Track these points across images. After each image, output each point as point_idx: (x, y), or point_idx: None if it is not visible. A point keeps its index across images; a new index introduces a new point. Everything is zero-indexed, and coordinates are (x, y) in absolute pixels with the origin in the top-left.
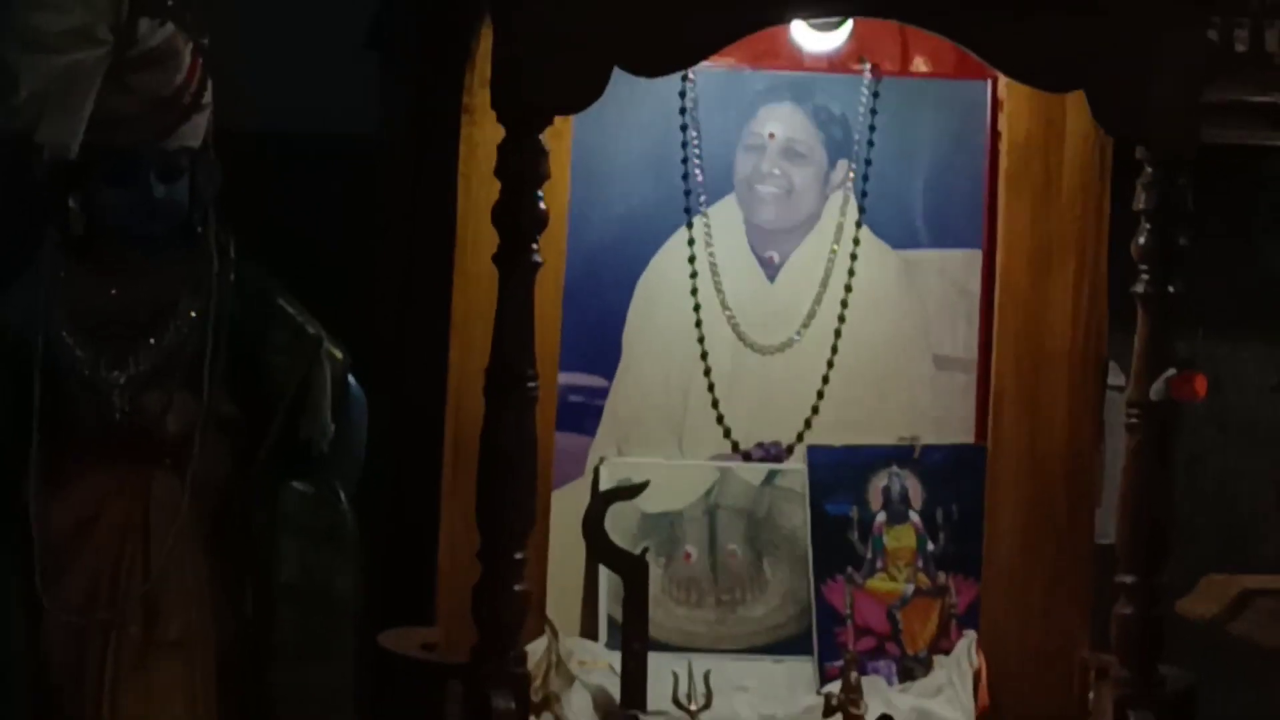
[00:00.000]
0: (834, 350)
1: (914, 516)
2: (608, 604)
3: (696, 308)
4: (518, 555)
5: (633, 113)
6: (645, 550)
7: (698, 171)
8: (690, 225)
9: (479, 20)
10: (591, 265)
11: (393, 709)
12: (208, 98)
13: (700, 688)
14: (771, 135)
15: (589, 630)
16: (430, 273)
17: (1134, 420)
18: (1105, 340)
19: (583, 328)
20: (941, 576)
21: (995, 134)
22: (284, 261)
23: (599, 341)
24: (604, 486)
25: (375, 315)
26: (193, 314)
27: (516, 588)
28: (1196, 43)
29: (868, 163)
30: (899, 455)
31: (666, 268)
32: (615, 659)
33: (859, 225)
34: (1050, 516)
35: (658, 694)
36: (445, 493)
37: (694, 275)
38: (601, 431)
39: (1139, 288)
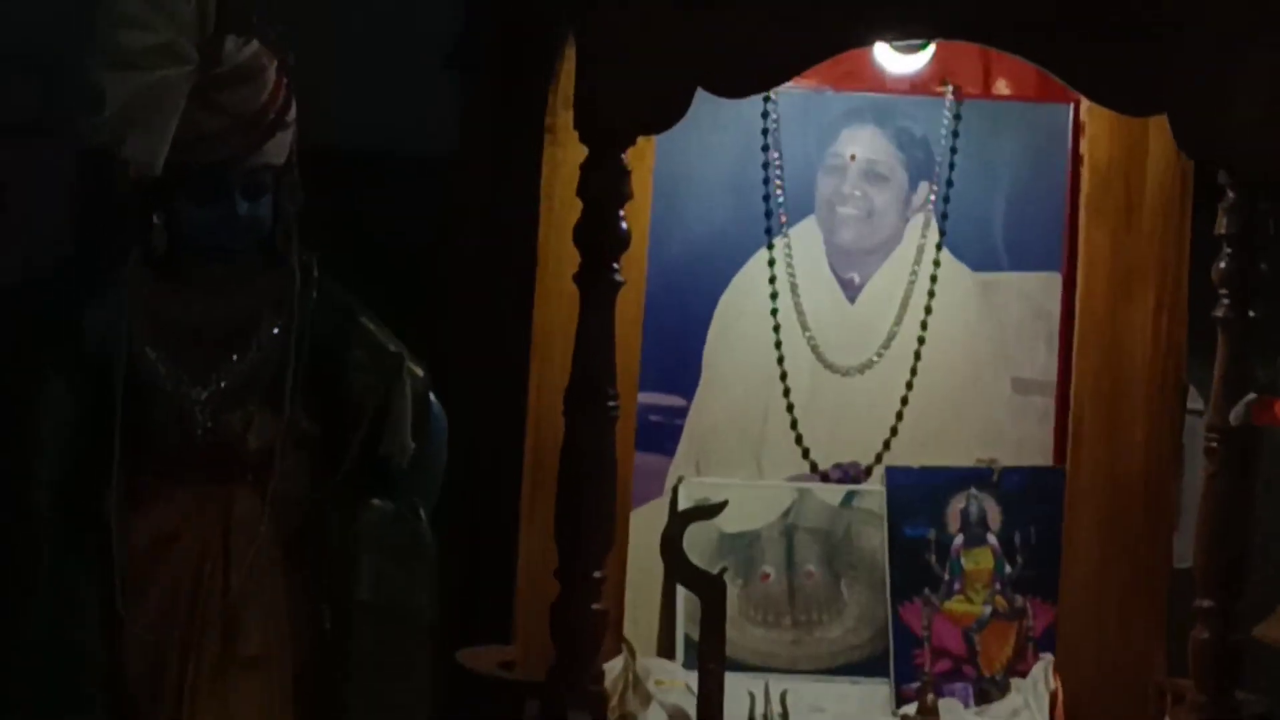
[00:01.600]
0: (913, 372)
1: (992, 539)
2: (685, 624)
3: (776, 328)
4: (596, 574)
5: (715, 133)
6: (723, 570)
7: (779, 192)
8: (771, 246)
9: (562, 40)
10: (672, 285)
11: None
12: (292, 115)
13: (776, 708)
14: (853, 157)
15: (666, 650)
16: (511, 291)
17: (1213, 445)
18: (1185, 364)
19: (663, 347)
20: (1019, 599)
21: (1077, 157)
22: (365, 279)
23: (679, 361)
24: (682, 506)
25: (456, 334)
26: (274, 331)
27: (594, 606)
28: (1279, 65)
29: (949, 185)
30: (978, 477)
31: (747, 288)
32: (692, 679)
33: (939, 247)
34: (1128, 540)
35: (734, 714)
36: (524, 511)
37: (774, 296)
38: (680, 451)
39: (1219, 312)
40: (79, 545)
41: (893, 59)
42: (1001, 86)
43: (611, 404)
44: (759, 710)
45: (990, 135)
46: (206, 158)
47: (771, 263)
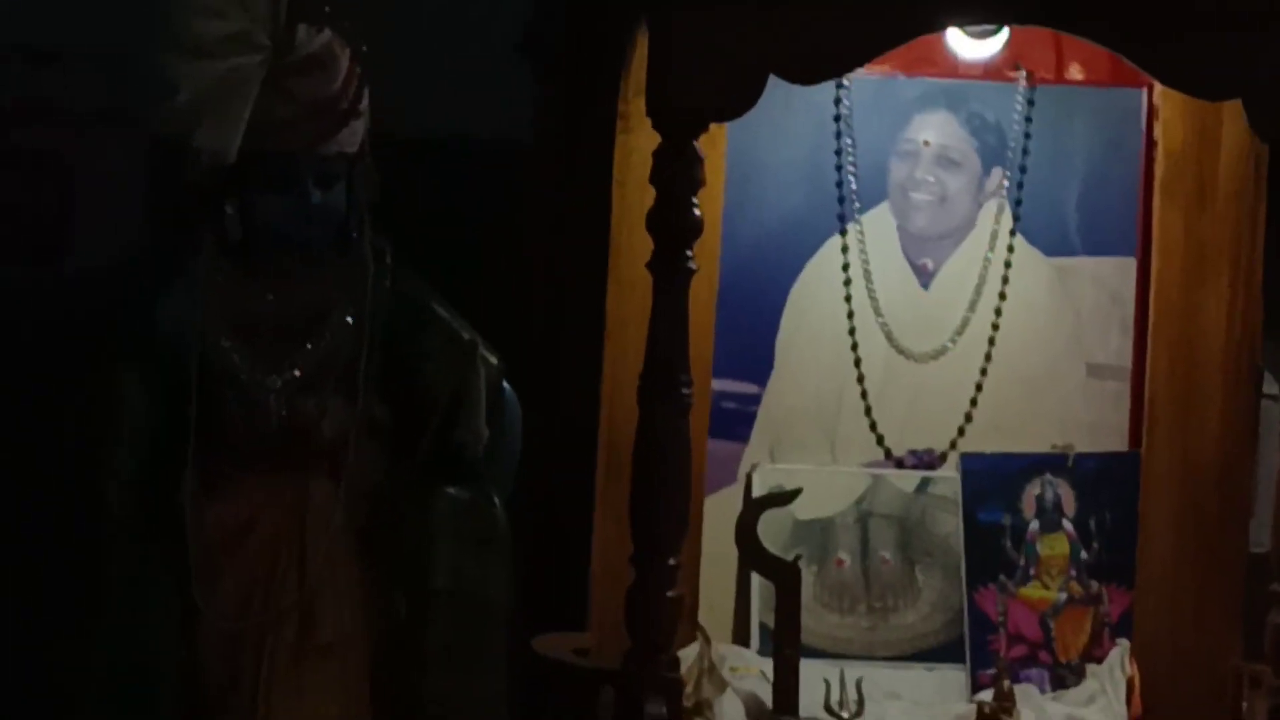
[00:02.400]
0: (987, 358)
1: (1067, 524)
2: (760, 610)
3: (850, 314)
4: (671, 561)
5: (787, 120)
6: (798, 557)
7: (851, 178)
8: (844, 232)
9: (635, 27)
10: (745, 272)
11: (545, 714)
12: (364, 104)
13: (852, 695)
14: (926, 142)
15: (741, 637)
16: (584, 279)
17: None
18: (1260, 349)
19: (736, 334)
20: (1094, 585)
21: (1150, 142)
22: (439, 268)
23: (752, 348)
24: (756, 493)
25: (530, 321)
26: (348, 320)
27: (669, 594)
28: None
29: (1022, 170)
30: (1052, 463)
31: (820, 275)
32: (767, 666)
33: (1013, 233)
34: (1204, 525)
35: (809, 701)
36: (598, 498)
37: (847, 282)
38: (754, 438)
39: None
40: (154, 536)
41: (965, 44)
42: (1074, 71)
43: (685, 391)
44: (834, 697)
45: (1063, 120)
46: (279, 146)
47: (844, 249)
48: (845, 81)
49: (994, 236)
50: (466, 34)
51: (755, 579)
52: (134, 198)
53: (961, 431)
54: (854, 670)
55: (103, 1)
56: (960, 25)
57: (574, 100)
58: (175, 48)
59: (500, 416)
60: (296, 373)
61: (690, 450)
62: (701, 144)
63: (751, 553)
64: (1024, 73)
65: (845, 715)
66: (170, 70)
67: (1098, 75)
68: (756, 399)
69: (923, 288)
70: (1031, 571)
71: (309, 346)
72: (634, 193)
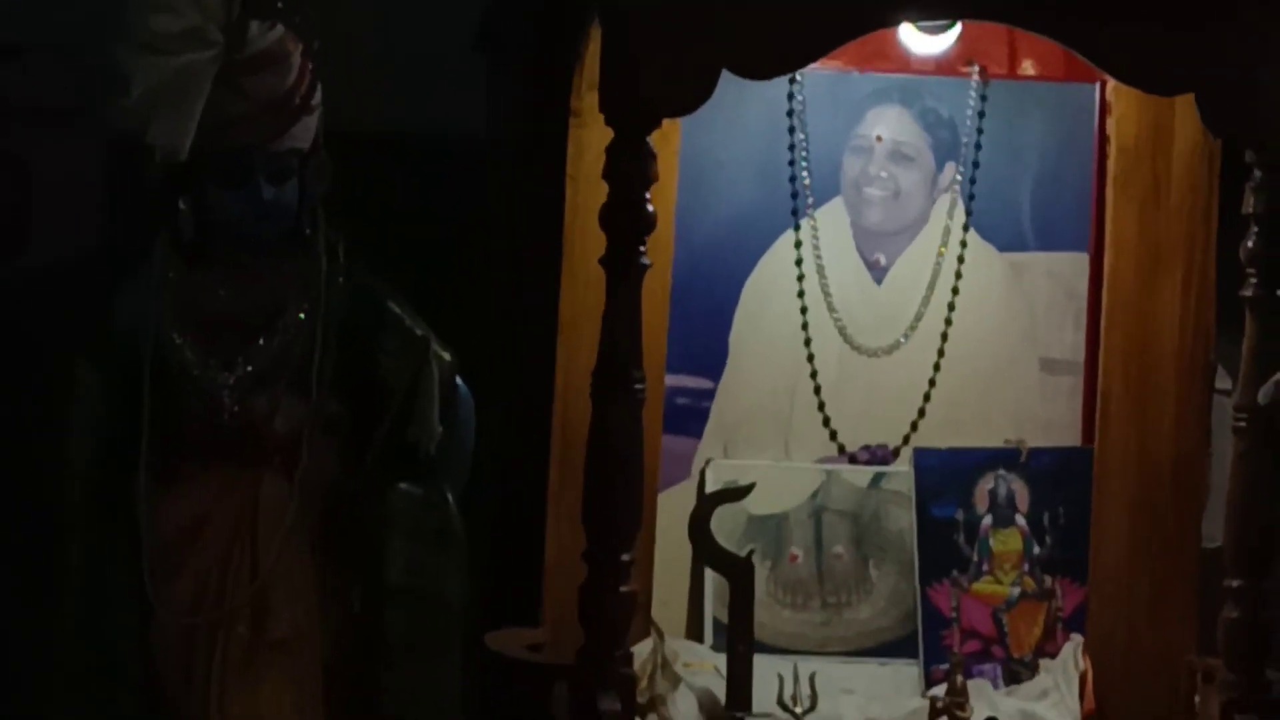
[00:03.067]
0: (940, 353)
1: (1020, 520)
2: (713, 606)
3: (803, 310)
4: (624, 557)
5: (740, 115)
6: (751, 552)
7: (805, 174)
8: (797, 228)
9: (588, 23)
10: (698, 267)
11: (499, 710)
12: (317, 99)
13: (805, 690)
14: (879, 138)
15: (694, 632)
16: (538, 275)
17: (1241, 424)
18: (1213, 344)
19: (689, 330)
20: (1048, 580)
21: (1103, 137)
22: (392, 263)
23: (706, 344)
24: (710, 488)
25: (483, 317)
26: (301, 315)
27: (623, 589)
28: None
29: (975, 165)
30: (1006, 458)
31: (773, 270)
32: (721, 661)
33: (966, 228)
34: (1157, 520)
35: (763, 696)
36: (552, 494)
37: (801, 278)
38: (708, 433)
39: (1247, 291)
40: (109, 532)
41: (918, 40)
42: (1027, 67)
43: (638, 386)
44: (788, 692)
45: (1017, 116)
46: (232, 142)
47: (798, 244)
48: (798, 77)
49: (947, 232)
50: (421, 29)
51: (709, 574)
52: (88, 194)
53: (915, 427)
54: (807, 665)
55: None
56: (913, 20)
57: (528, 96)
58: (127, 44)
59: (454, 412)
60: (250, 368)
61: (643, 446)
62: (655, 139)
63: (705, 548)
64: (977, 68)
65: (799, 710)
66: (123, 66)
67: (1051, 70)
68: (710, 394)
69: (876, 283)
70: (985, 567)
71: (262, 342)
72: (587, 188)
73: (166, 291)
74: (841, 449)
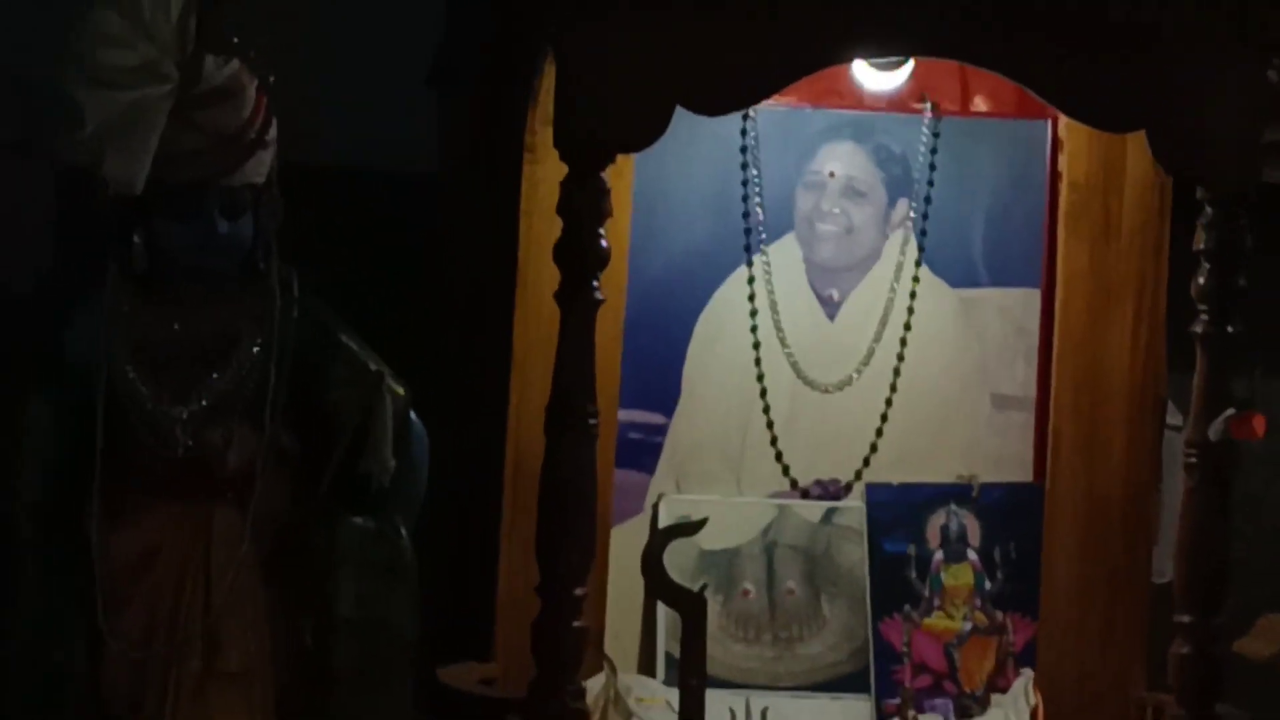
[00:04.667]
0: (893, 388)
1: (972, 555)
2: (666, 641)
3: (756, 345)
4: (577, 591)
5: (694, 151)
6: (704, 587)
7: (758, 209)
8: (750, 263)
9: (542, 58)
10: (652, 302)
11: None
12: (272, 134)
13: None
14: (832, 174)
15: (647, 667)
16: (492, 309)
17: (1192, 460)
18: (1164, 380)
19: (643, 365)
20: (999, 615)
21: (1055, 174)
22: (346, 297)
23: (659, 379)
24: (663, 523)
25: (437, 351)
26: (255, 349)
27: (575, 624)
28: (1257, 83)
29: (927, 201)
30: (957, 494)
31: (726, 305)
32: (673, 696)
33: (918, 264)
34: (1108, 555)
35: None
36: (505, 528)
37: (754, 313)
38: (661, 468)
39: (1198, 327)
40: (60, 564)
41: (871, 76)
42: (980, 103)
43: (591, 421)
44: None
45: (969, 152)
46: (186, 176)
47: (751, 280)
48: (751, 113)
49: (899, 268)
50: (377, 64)
51: (661, 609)
52: (42, 227)
53: (867, 462)
54: (760, 700)
55: (9, 31)
56: (866, 57)
57: (482, 131)
58: (81, 78)
59: (407, 446)
60: (203, 402)
61: (596, 480)
62: (608, 175)
63: (657, 583)
64: (929, 104)
65: None
66: (77, 100)
67: (1003, 107)
68: (663, 429)
69: (829, 318)
70: (936, 602)
71: (215, 376)
72: (541, 223)
73: (119, 324)
74: (794, 484)
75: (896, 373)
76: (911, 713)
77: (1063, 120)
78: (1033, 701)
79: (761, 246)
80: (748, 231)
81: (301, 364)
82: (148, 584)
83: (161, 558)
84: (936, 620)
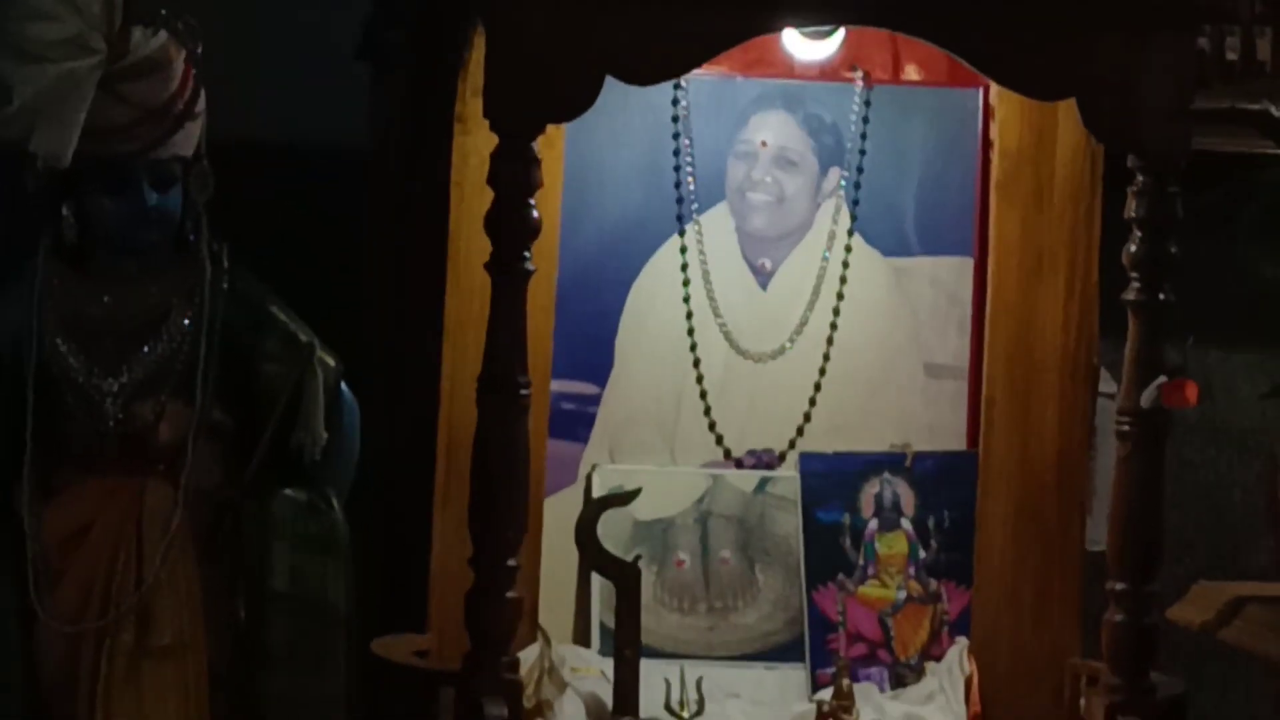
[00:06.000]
0: (826, 358)
1: (906, 523)
2: (600, 611)
3: (689, 315)
4: (510, 562)
5: (624, 121)
6: (638, 557)
7: (690, 179)
8: (682, 233)
9: (471, 29)
10: (584, 273)
11: (385, 716)
12: (200, 106)
13: (692, 694)
14: (763, 143)
15: (581, 637)
16: (423, 280)
17: (1125, 428)
18: (1096, 348)
19: (575, 335)
20: (933, 583)
21: (987, 142)
22: (276, 270)
23: (591, 349)
24: (596, 494)
25: (368, 323)
26: (185, 322)
27: (509, 595)
28: (1187, 51)
29: (859, 170)
30: (891, 462)
31: (659, 275)
32: (608, 666)
33: (850, 233)
34: (1041, 524)
35: (650, 701)
36: (438, 500)
37: (686, 283)
38: (594, 439)
39: (1130, 295)
40: None
41: (802, 45)
42: (911, 72)
43: (523, 392)
44: (675, 696)
45: (900, 121)
46: (115, 149)
47: (683, 250)
48: (682, 82)
49: (832, 237)
50: (306, 37)
51: (596, 579)
52: None
53: (800, 431)
54: (694, 670)
55: None
56: (796, 26)
57: (411, 103)
58: (8, 52)
59: (339, 418)
60: (134, 375)
61: (529, 451)
62: (539, 145)
63: (591, 553)
64: (860, 73)
65: (685, 715)
66: (4, 74)
67: (934, 76)
68: (596, 400)
69: (761, 288)
70: (870, 570)
71: (146, 349)
72: (472, 194)
73: (49, 298)
74: (727, 454)
75: (829, 342)
76: (846, 681)
77: (994, 89)
78: (967, 670)
79: (693, 216)
80: (679, 201)
81: (232, 337)
82: (80, 559)
83: (94, 532)
84: (871, 589)
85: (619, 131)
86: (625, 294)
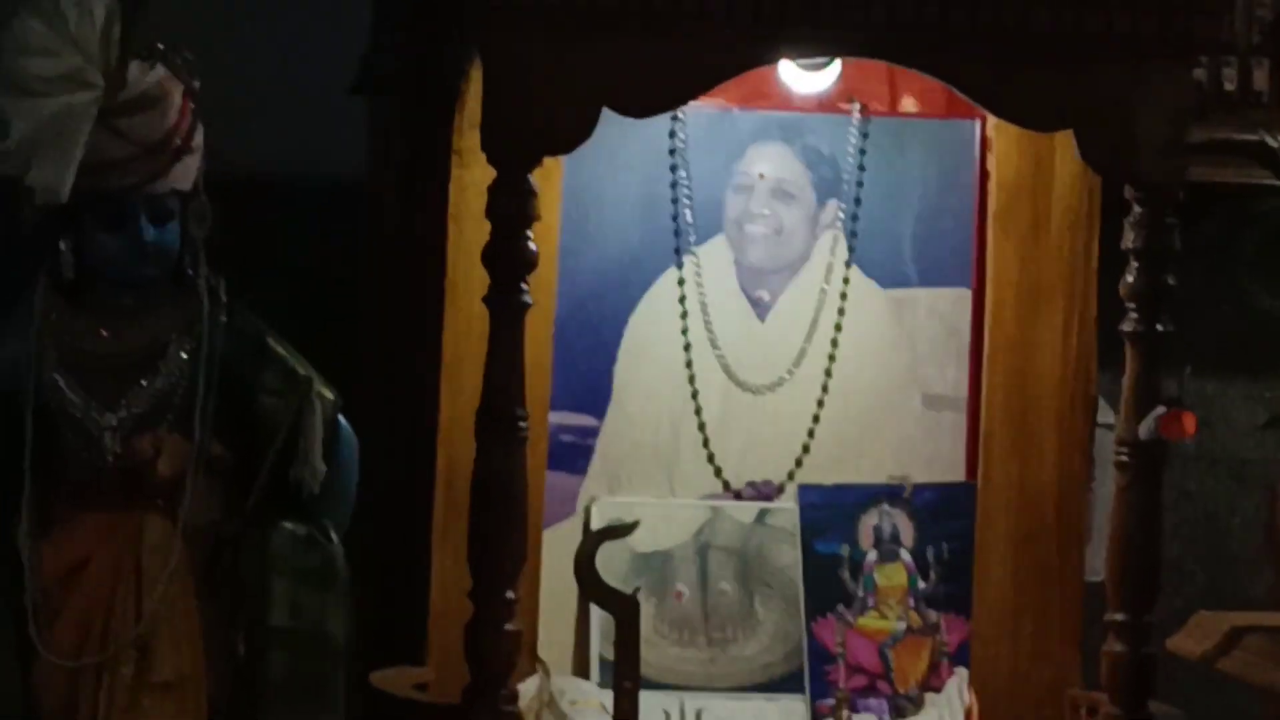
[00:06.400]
0: (824, 389)
1: (905, 555)
2: (599, 643)
3: (687, 347)
4: (509, 595)
5: (622, 153)
6: (637, 589)
7: (687, 211)
8: (680, 265)
9: (468, 62)
10: (582, 305)
11: None
12: (198, 141)
13: None
14: (761, 175)
15: (581, 669)
16: (421, 313)
17: (1123, 458)
18: (1094, 379)
19: (573, 367)
20: (933, 615)
21: (984, 173)
22: (275, 304)
23: (590, 381)
24: (595, 526)
25: (366, 356)
26: (183, 356)
27: (508, 627)
28: (1183, 82)
29: (857, 202)
30: (889, 494)
31: (657, 307)
32: (607, 698)
33: (848, 265)
34: (1040, 554)
35: None
36: (437, 532)
37: (684, 315)
38: (592, 471)
39: (1127, 326)
40: None
41: (799, 77)
42: (908, 104)
43: (522, 424)
44: None
45: (897, 152)
46: (113, 184)
47: (681, 282)
48: (680, 114)
49: (829, 268)
50: (303, 71)
51: (595, 612)
52: None
53: (799, 463)
54: (694, 702)
55: None
56: (793, 58)
57: (410, 136)
58: (6, 86)
59: (337, 451)
60: (132, 409)
61: (527, 483)
62: (536, 178)
63: (590, 585)
64: (858, 105)
65: None
66: (1, 109)
67: (931, 107)
68: (594, 432)
69: (759, 320)
70: (870, 602)
71: (144, 383)
72: (470, 227)
73: (47, 333)
74: (726, 485)
75: (828, 374)
76: (846, 713)
77: (991, 120)
78: (967, 701)
79: (691, 248)
80: (677, 233)
81: (231, 371)
82: (79, 594)
83: (92, 567)
84: (870, 620)
85: (616, 164)
86: (623, 326)
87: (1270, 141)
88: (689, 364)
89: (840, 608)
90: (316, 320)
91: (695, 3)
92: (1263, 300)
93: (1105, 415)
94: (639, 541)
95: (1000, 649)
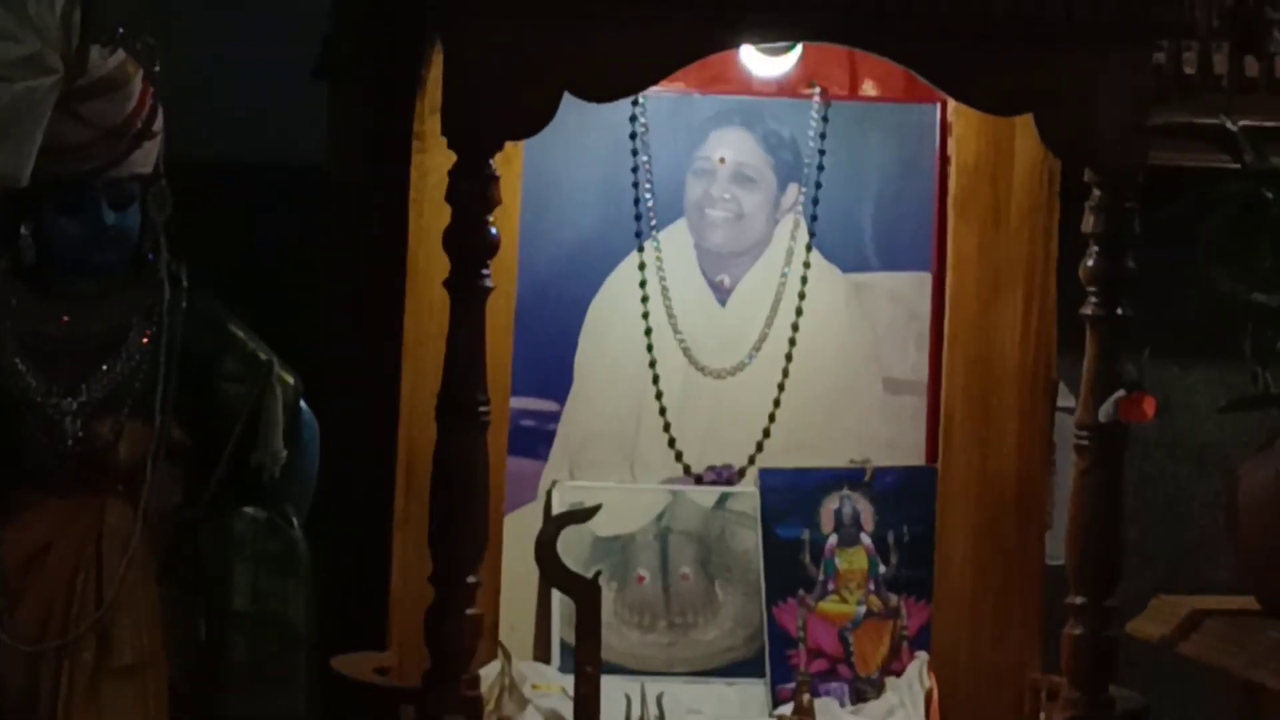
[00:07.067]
0: (785, 374)
1: (865, 539)
2: (560, 628)
3: (648, 332)
4: (470, 579)
5: (583, 138)
6: (598, 574)
7: (648, 196)
8: (641, 250)
9: (429, 47)
10: (543, 290)
11: None
12: (158, 125)
13: (653, 711)
14: (721, 160)
15: (542, 654)
16: (382, 298)
17: (1083, 442)
18: (1054, 362)
19: (534, 352)
20: (893, 599)
21: (944, 158)
22: (235, 289)
23: (550, 366)
24: (556, 510)
25: (327, 341)
26: (144, 341)
27: (469, 612)
28: (1144, 66)
29: (818, 186)
30: (850, 478)
31: (617, 292)
32: (568, 682)
33: (809, 249)
34: (1001, 538)
35: (610, 717)
36: (397, 517)
37: (645, 300)
38: (553, 456)
39: (1087, 310)
40: None
41: (759, 62)
42: (868, 88)
43: (482, 409)
44: (635, 713)
45: (858, 136)
46: (73, 168)
47: (642, 266)
48: (640, 99)
49: (790, 253)
50: (264, 56)
51: (556, 596)
52: None
53: (760, 447)
54: (655, 686)
55: None
56: (753, 43)
57: (370, 121)
58: None
59: (298, 436)
60: (93, 394)
61: (488, 468)
62: (497, 162)
63: (551, 570)
64: (818, 89)
65: None
66: None
67: (892, 91)
68: (555, 417)
69: (720, 304)
70: (830, 586)
71: (105, 368)
72: (431, 212)
73: (7, 318)
74: (687, 470)
75: (788, 358)
76: (806, 696)
77: (951, 104)
78: (927, 685)
79: (652, 233)
80: (638, 218)
81: (191, 356)
82: (40, 579)
83: (53, 553)
84: (831, 604)
85: (577, 149)
86: (584, 311)
87: (1229, 125)
88: (650, 348)
89: (801, 592)
90: (277, 305)
91: None
92: (1223, 283)
93: (1066, 399)
94: (600, 526)
95: (961, 633)
